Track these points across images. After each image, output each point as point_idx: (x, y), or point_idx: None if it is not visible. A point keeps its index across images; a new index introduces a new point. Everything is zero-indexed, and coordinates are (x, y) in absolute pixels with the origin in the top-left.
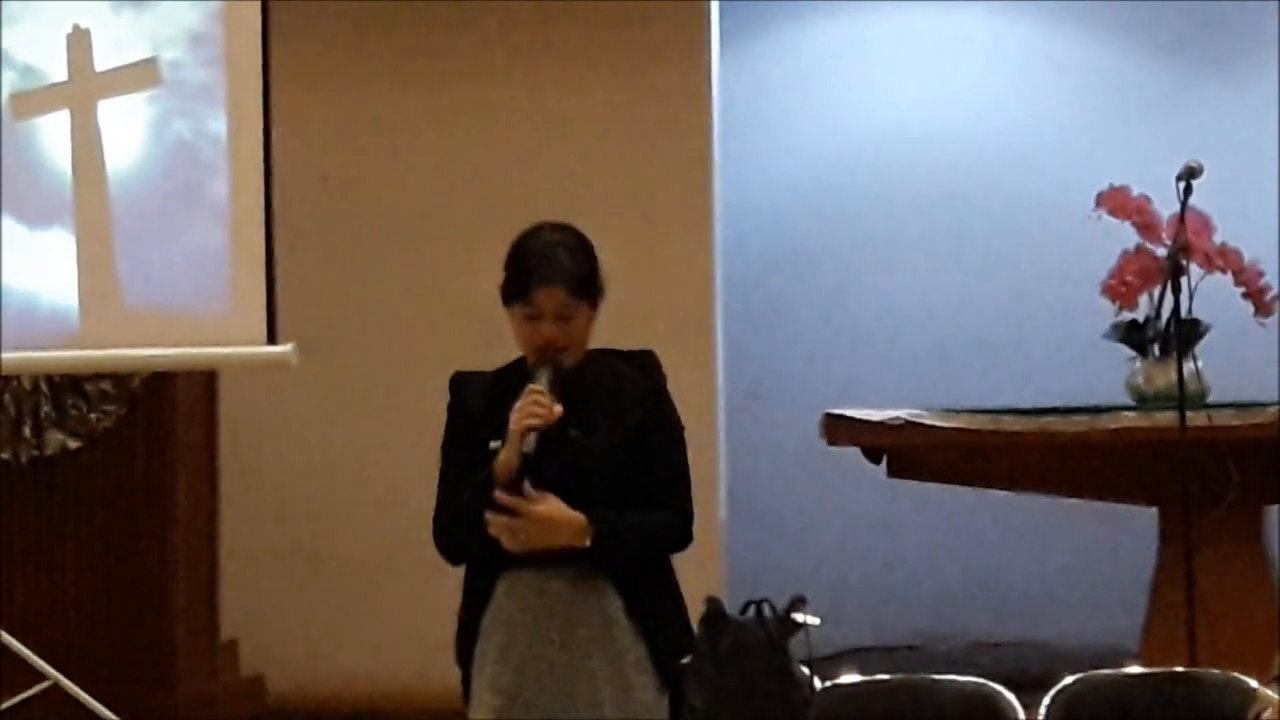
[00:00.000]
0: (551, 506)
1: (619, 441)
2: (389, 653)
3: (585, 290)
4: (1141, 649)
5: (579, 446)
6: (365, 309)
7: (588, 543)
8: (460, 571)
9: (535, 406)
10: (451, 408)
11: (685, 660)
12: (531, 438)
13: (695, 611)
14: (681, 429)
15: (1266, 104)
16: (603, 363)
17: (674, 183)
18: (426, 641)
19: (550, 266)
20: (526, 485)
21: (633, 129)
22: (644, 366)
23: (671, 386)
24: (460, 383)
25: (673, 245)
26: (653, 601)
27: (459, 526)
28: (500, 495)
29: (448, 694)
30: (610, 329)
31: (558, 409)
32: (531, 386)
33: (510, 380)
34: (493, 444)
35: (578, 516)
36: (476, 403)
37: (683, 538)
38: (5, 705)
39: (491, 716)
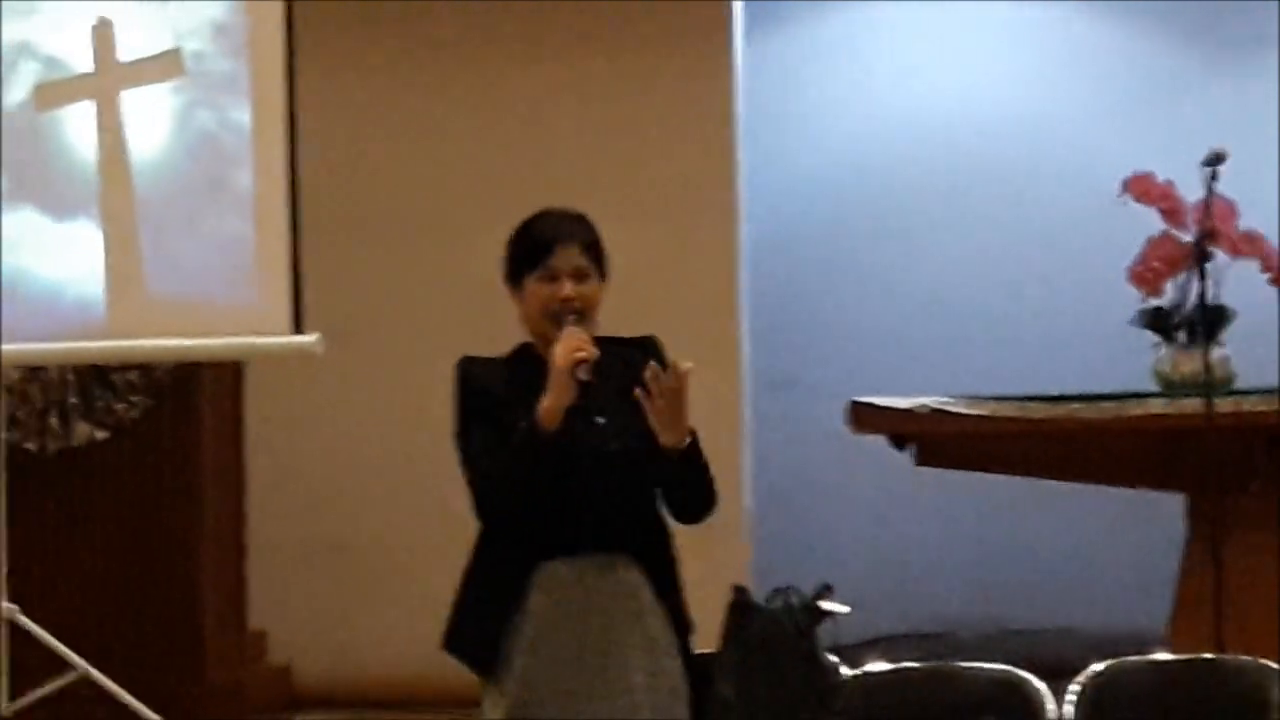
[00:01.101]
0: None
1: (633, 418)
2: (415, 643)
3: (598, 254)
4: (1168, 635)
5: (606, 432)
6: (391, 299)
7: (684, 445)
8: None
9: (577, 341)
10: (466, 388)
11: (713, 650)
12: (585, 367)
13: (723, 600)
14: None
15: None
16: (610, 350)
17: (699, 172)
18: None
19: (566, 227)
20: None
21: (657, 119)
22: (650, 351)
23: (697, 375)
24: (472, 364)
25: (698, 235)
26: (673, 585)
27: (507, 484)
28: (574, 330)
29: (473, 681)
30: (636, 318)
31: (594, 351)
32: (568, 328)
33: (521, 366)
34: (522, 424)
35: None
36: (492, 384)
37: (711, 507)
38: (35, 695)
39: (521, 706)
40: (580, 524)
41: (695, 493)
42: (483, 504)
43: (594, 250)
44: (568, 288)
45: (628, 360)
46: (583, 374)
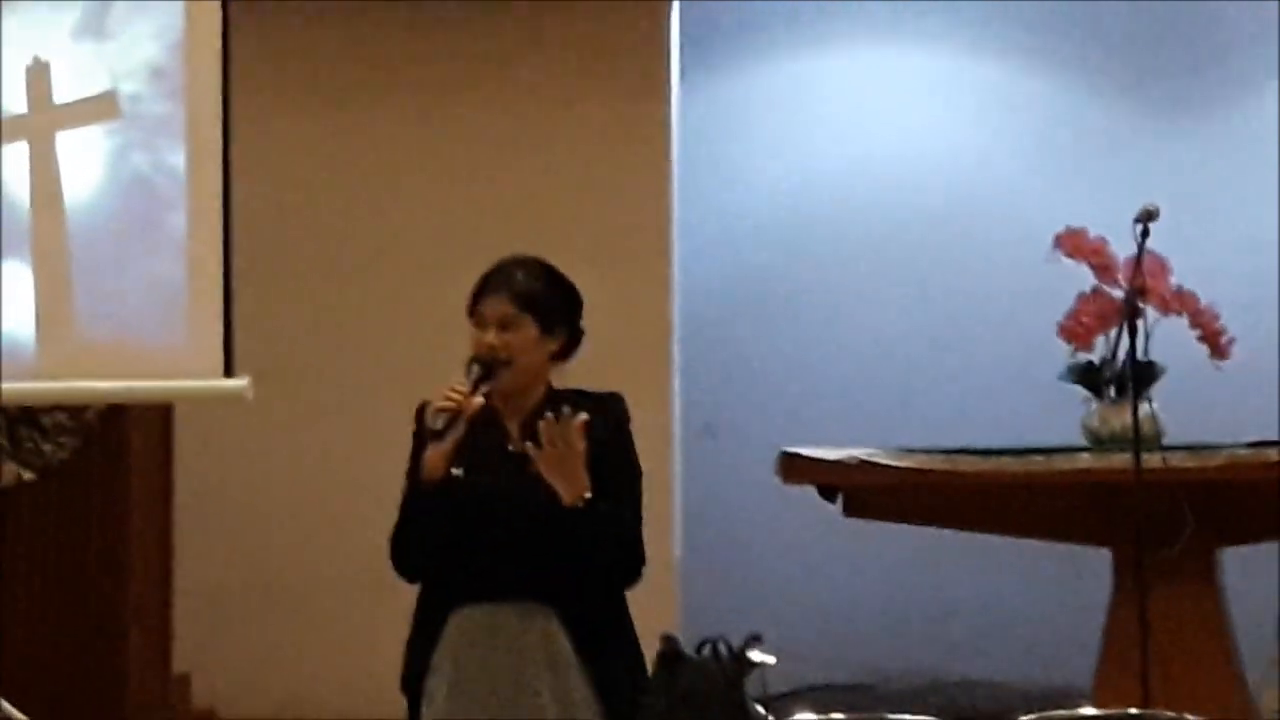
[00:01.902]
0: (582, 447)
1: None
2: (342, 685)
3: (530, 304)
4: (1094, 689)
5: (538, 483)
6: (322, 343)
7: (581, 503)
8: (412, 605)
9: (450, 393)
10: (416, 436)
11: (640, 699)
12: (442, 417)
13: (651, 649)
14: (639, 473)
15: (1226, 146)
16: (567, 402)
17: (633, 218)
18: (380, 674)
19: (498, 278)
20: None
21: (592, 164)
22: (609, 408)
23: (633, 420)
24: (424, 411)
25: (631, 281)
26: (603, 640)
27: (403, 541)
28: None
29: None
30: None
31: (477, 401)
32: (451, 382)
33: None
34: (454, 470)
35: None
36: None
37: (636, 568)
38: None
39: None
40: (498, 570)
41: (601, 555)
42: (390, 555)
43: (526, 300)
44: (488, 336)
45: (575, 408)
46: (438, 424)
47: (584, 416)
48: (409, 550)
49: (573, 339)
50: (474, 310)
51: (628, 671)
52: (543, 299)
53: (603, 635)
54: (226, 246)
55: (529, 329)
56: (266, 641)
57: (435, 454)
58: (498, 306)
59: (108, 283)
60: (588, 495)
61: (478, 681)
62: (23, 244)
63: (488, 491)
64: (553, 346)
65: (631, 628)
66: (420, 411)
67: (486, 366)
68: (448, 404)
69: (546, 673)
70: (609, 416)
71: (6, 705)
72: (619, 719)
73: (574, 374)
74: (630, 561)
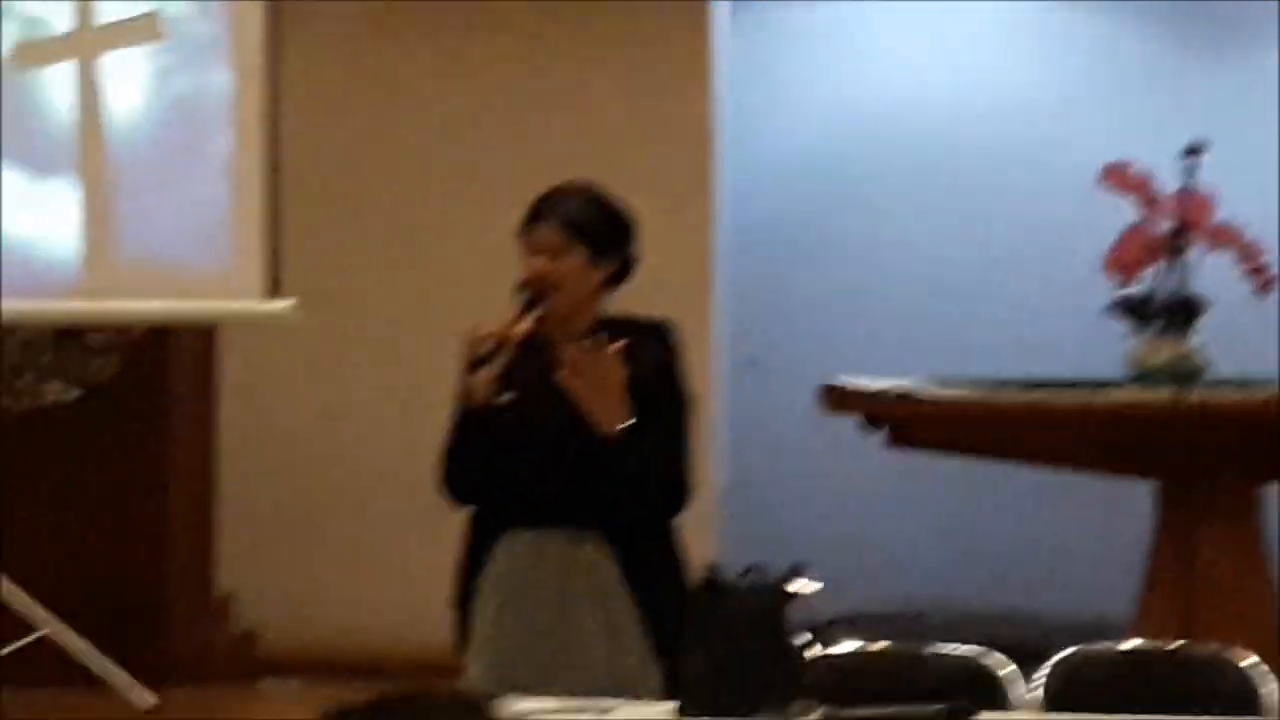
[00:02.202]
0: (618, 375)
1: (627, 411)
2: (383, 609)
3: (580, 231)
4: (1136, 622)
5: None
6: (368, 266)
7: (617, 430)
8: (455, 531)
9: (493, 322)
10: (465, 362)
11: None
12: (486, 344)
13: (693, 577)
14: (690, 402)
15: (1273, 80)
16: (616, 328)
17: (676, 150)
18: (420, 599)
19: (548, 205)
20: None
21: (637, 98)
22: (659, 335)
23: None
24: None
25: (673, 212)
26: (651, 568)
27: (448, 464)
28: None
29: (441, 651)
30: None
31: (521, 327)
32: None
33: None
34: (501, 397)
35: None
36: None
37: (678, 500)
38: (0, 653)
39: (485, 675)
40: (545, 497)
41: (641, 485)
42: (439, 480)
43: (576, 227)
44: (537, 263)
45: (625, 336)
46: (482, 351)
47: (618, 344)
48: (455, 474)
49: (624, 266)
50: (525, 235)
51: (675, 599)
52: (592, 226)
53: (651, 563)
54: (271, 168)
55: (578, 256)
56: (308, 565)
57: (479, 381)
58: (547, 234)
59: (153, 204)
60: (622, 425)
61: (522, 606)
62: (67, 164)
63: (533, 418)
64: (603, 274)
65: (681, 556)
66: (470, 338)
67: (534, 293)
68: (492, 330)
69: (591, 599)
70: (658, 343)
71: (53, 624)
72: (666, 646)
73: (616, 304)
74: (673, 492)
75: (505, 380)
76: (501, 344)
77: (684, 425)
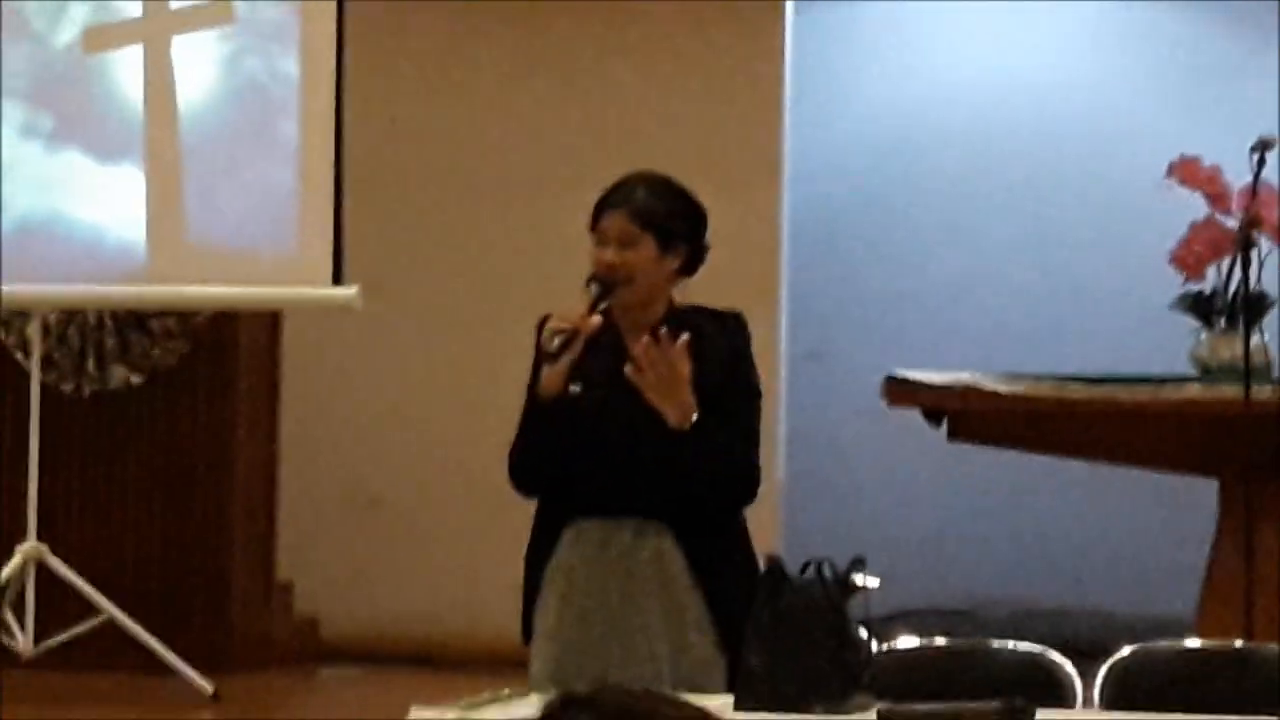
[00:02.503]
0: (686, 369)
1: (696, 397)
2: (442, 598)
3: (650, 221)
4: (1197, 621)
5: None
6: (432, 254)
7: (687, 425)
8: (517, 520)
9: (559, 314)
10: (537, 350)
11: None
12: (558, 337)
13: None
14: (758, 393)
15: None
16: (687, 319)
17: (744, 138)
18: (480, 588)
19: (619, 195)
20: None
21: (706, 86)
22: (729, 327)
23: None
24: (544, 327)
25: (741, 201)
26: (718, 559)
27: (521, 455)
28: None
29: (499, 640)
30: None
31: (594, 321)
32: (562, 308)
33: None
34: (572, 388)
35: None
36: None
37: (747, 490)
38: (61, 638)
39: (549, 664)
40: (613, 487)
41: (708, 477)
42: (509, 471)
43: (646, 217)
44: (608, 254)
45: (695, 326)
46: (554, 345)
47: (685, 337)
48: (525, 466)
49: (694, 255)
50: (595, 226)
51: (742, 590)
52: (663, 216)
53: (718, 554)
54: (338, 155)
55: (649, 247)
56: (369, 552)
57: (551, 373)
58: (618, 223)
59: (219, 189)
60: (694, 418)
61: (588, 596)
62: (135, 148)
63: (604, 409)
64: (673, 264)
65: (748, 547)
66: (541, 327)
67: (605, 285)
68: (564, 324)
69: (657, 590)
70: (728, 335)
71: (113, 609)
72: (733, 637)
73: (684, 294)
74: (742, 482)
75: (576, 371)
76: (573, 338)
77: (754, 416)
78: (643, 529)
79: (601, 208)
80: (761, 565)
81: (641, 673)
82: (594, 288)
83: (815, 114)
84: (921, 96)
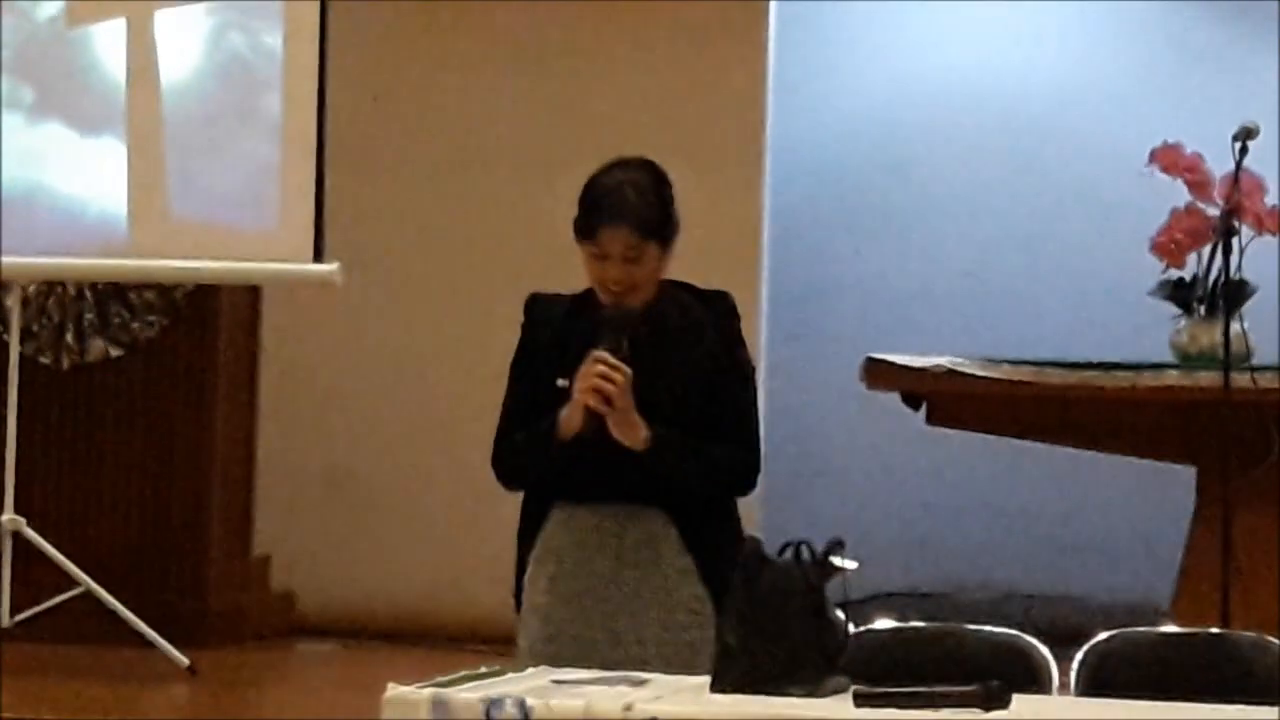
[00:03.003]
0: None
1: (687, 380)
2: (420, 574)
3: (653, 230)
4: (1173, 606)
5: (639, 381)
6: (412, 231)
7: (640, 445)
8: (496, 497)
9: (598, 378)
10: (524, 329)
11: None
12: (599, 398)
13: None
14: (752, 370)
15: None
16: (677, 298)
17: (726, 120)
18: (458, 564)
19: (615, 206)
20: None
21: (689, 64)
22: (718, 308)
23: None
24: (534, 305)
25: (723, 182)
26: (712, 539)
27: (518, 463)
28: (600, 356)
29: (477, 616)
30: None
31: (625, 372)
32: (595, 353)
33: (583, 310)
34: (560, 381)
35: (640, 423)
36: (547, 331)
37: (748, 475)
38: (37, 609)
39: (536, 642)
40: (604, 470)
41: (689, 480)
42: (493, 464)
43: (649, 228)
44: (613, 272)
45: (684, 308)
46: (588, 430)
47: (626, 371)
48: (514, 472)
49: (676, 236)
50: (589, 235)
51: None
52: (661, 219)
53: (711, 534)
54: (320, 130)
55: (653, 254)
56: (347, 527)
57: (571, 424)
58: (620, 240)
59: (201, 163)
60: (645, 435)
61: (576, 579)
62: (117, 121)
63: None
64: (665, 252)
65: (739, 526)
66: (528, 305)
67: (622, 323)
68: (598, 396)
69: (646, 573)
70: (716, 316)
71: (89, 581)
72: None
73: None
74: (741, 477)
75: (565, 364)
76: (609, 400)
77: (750, 399)
78: (632, 513)
79: (595, 221)
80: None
81: (628, 654)
82: (609, 338)
83: (799, 96)
84: (905, 82)
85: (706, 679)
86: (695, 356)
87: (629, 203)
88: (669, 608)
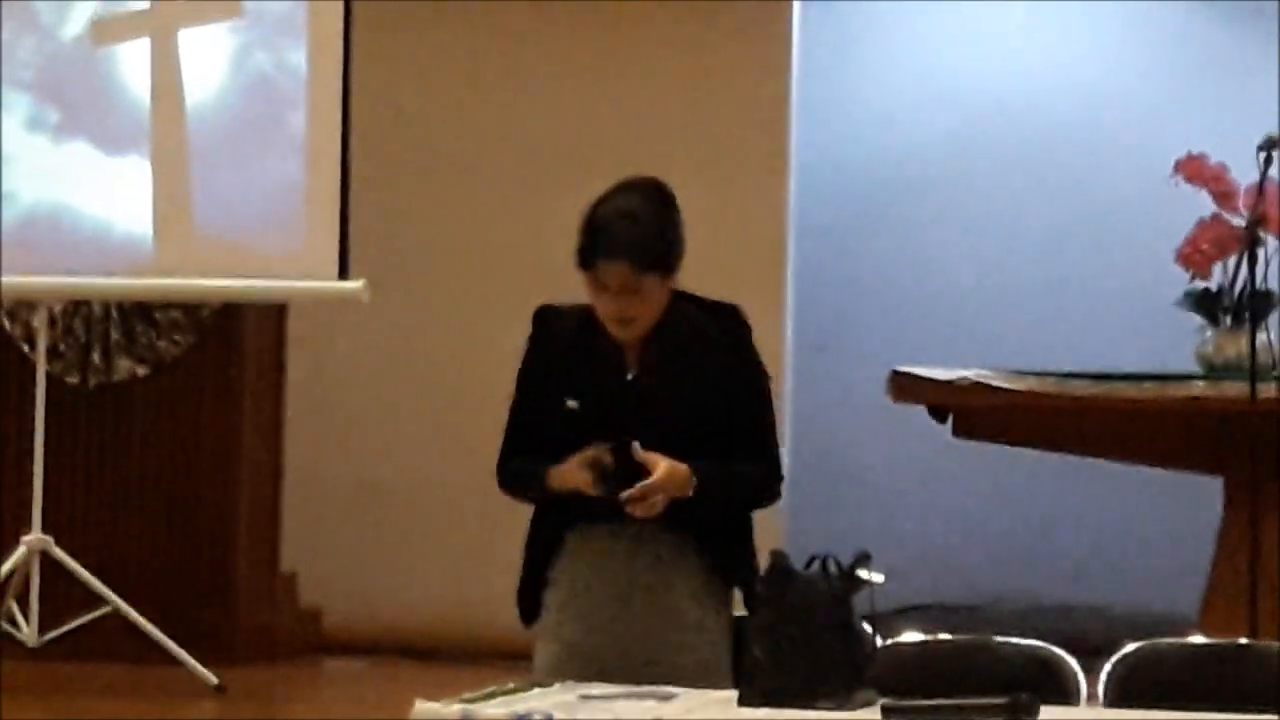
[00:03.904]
0: (664, 470)
1: (703, 395)
2: (447, 591)
3: (652, 263)
4: (1201, 617)
5: (655, 396)
6: (437, 248)
7: (690, 492)
8: (523, 514)
9: (589, 462)
10: (532, 342)
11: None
12: (598, 486)
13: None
14: (768, 379)
15: None
16: (685, 313)
17: (751, 129)
18: (485, 581)
19: (612, 240)
20: (636, 446)
21: (712, 73)
22: (727, 320)
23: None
24: (543, 318)
25: (748, 192)
26: (725, 559)
27: (515, 489)
28: (628, 496)
29: (504, 634)
30: (682, 275)
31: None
32: (589, 451)
33: (586, 328)
34: (570, 403)
35: (684, 467)
36: (556, 345)
37: (773, 488)
38: (65, 628)
39: (550, 661)
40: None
41: (737, 508)
42: (497, 479)
43: (648, 261)
44: (611, 306)
45: (694, 323)
46: (593, 492)
47: (661, 496)
48: (520, 496)
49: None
50: (588, 267)
51: (748, 587)
52: (662, 249)
53: (724, 554)
54: (345, 148)
55: (654, 285)
56: (373, 544)
57: (570, 476)
58: (618, 275)
59: (226, 181)
60: (691, 482)
61: (587, 601)
62: (142, 140)
63: (605, 422)
64: (673, 280)
65: (752, 543)
66: (538, 317)
67: (609, 471)
68: (591, 487)
69: (656, 595)
70: (727, 329)
71: (117, 600)
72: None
73: (687, 284)
74: (765, 494)
75: (573, 384)
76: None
77: (767, 411)
78: (642, 535)
79: (591, 255)
80: (765, 560)
81: (639, 675)
82: (602, 480)
83: (823, 107)
84: (929, 92)
85: (734, 693)
86: (707, 370)
87: (625, 236)
88: (679, 629)
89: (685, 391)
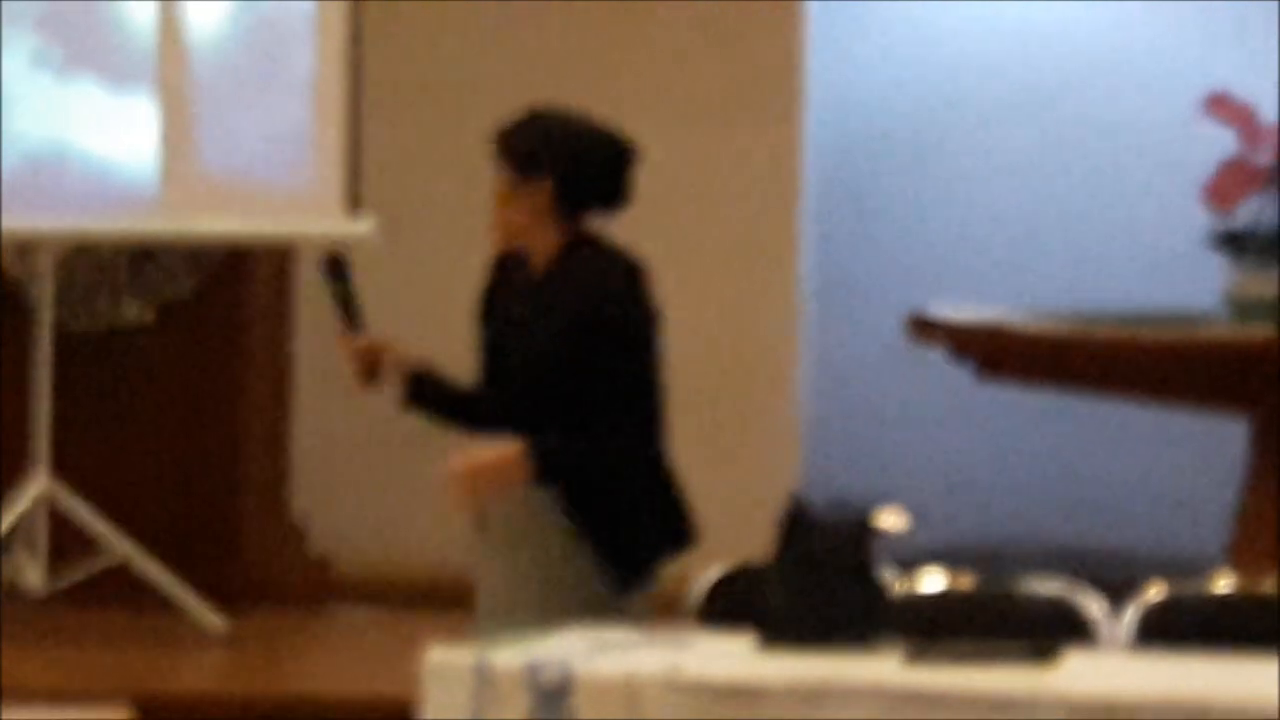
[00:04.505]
0: (475, 458)
1: (548, 338)
2: (459, 538)
3: (521, 164)
4: (1229, 558)
5: (515, 339)
6: (448, 187)
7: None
8: None
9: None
10: (491, 271)
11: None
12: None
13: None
14: (621, 335)
15: None
16: (583, 257)
17: (765, 73)
18: None
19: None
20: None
21: (725, 17)
22: (609, 267)
23: (753, 279)
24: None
25: (761, 136)
26: (597, 521)
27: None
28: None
29: None
30: (698, 216)
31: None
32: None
33: (505, 262)
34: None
35: (511, 453)
36: (492, 278)
37: (504, 416)
38: (73, 576)
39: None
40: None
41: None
42: None
43: (515, 159)
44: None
45: (585, 270)
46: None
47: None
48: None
49: (575, 187)
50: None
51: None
52: (519, 148)
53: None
54: (353, 86)
55: (520, 195)
56: (384, 489)
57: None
58: (497, 181)
59: (233, 120)
60: (529, 466)
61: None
62: (147, 80)
63: (495, 349)
64: (539, 195)
65: (629, 499)
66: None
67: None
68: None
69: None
70: (603, 274)
71: (126, 548)
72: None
73: (704, 225)
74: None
75: (495, 310)
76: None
77: (618, 358)
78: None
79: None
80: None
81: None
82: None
83: (838, 45)
84: (948, 29)
85: (751, 641)
86: (559, 315)
87: (497, 139)
88: (559, 583)
89: (536, 338)
